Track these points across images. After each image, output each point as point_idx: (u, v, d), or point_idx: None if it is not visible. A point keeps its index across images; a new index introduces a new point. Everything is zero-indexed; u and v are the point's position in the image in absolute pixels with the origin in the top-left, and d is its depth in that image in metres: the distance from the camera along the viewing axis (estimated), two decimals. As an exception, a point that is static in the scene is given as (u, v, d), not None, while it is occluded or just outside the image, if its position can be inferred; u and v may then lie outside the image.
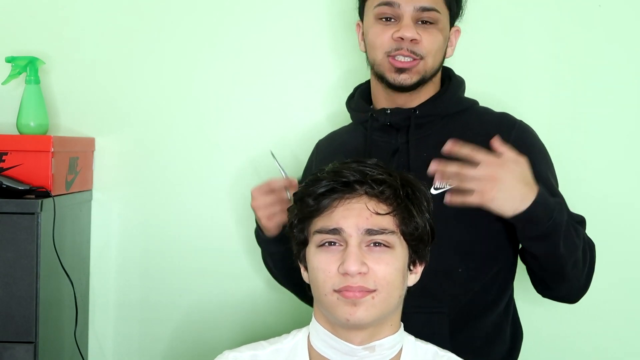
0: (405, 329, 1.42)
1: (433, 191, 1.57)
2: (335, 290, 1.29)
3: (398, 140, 1.67)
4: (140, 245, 2.17)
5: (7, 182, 1.83)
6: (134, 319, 2.18)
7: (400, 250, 1.32)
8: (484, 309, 1.65)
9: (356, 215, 1.30)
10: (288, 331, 1.43)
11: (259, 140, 2.12)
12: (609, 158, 2.09)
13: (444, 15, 1.65)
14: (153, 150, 2.17)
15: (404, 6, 1.62)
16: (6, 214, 1.79)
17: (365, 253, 1.29)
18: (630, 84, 2.08)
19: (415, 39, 1.61)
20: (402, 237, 1.33)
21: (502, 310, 1.68)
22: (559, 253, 1.53)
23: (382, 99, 1.71)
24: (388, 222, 1.31)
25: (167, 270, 2.16)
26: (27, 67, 2.01)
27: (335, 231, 1.30)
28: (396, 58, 1.63)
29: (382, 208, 1.31)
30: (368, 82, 1.79)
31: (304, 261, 1.37)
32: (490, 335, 1.66)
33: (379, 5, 1.64)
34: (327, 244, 1.31)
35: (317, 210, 1.32)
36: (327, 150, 1.81)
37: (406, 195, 1.33)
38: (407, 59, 1.62)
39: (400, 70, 1.63)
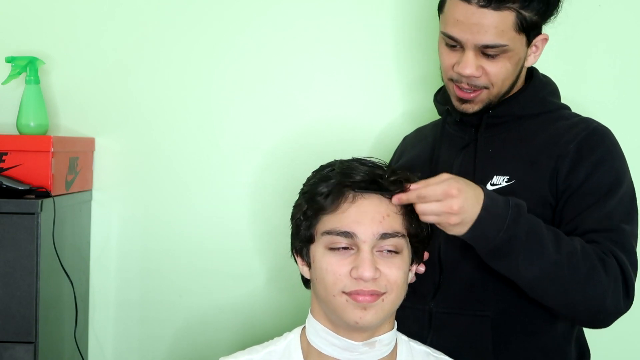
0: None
1: (489, 187, 1.49)
2: (344, 292, 1.28)
3: (470, 137, 1.60)
4: (140, 245, 2.17)
5: (7, 182, 1.82)
6: (134, 319, 2.18)
7: (406, 253, 1.33)
8: (540, 321, 1.48)
9: (370, 220, 1.29)
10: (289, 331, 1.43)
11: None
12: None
13: (515, 42, 1.48)
14: (153, 150, 2.16)
15: (465, 42, 1.48)
16: (6, 214, 1.79)
17: (377, 257, 1.29)
18: (631, 84, 2.08)
19: (474, 76, 1.50)
20: (408, 240, 1.33)
21: (564, 327, 1.50)
22: (522, 274, 1.36)
23: None
24: (399, 224, 1.31)
25: (167, 271, 2.16)
26: (27, 67, 2.01)
27: (348, 234, 1.29)
28: (459, 86, 1.53)
29: (393, 210, 1.30)
30: None
31: (307, 257, 1.36)
32: (549, 358, 1.49)
33: (444, 34, 1.52)
34: (341, 248, 1.29)
35: (327, 210, 1.30)
36: (411, 142, 1.78)
37: None
38: (469, 91, 1.53)
39: (463, 101, 1.55)
